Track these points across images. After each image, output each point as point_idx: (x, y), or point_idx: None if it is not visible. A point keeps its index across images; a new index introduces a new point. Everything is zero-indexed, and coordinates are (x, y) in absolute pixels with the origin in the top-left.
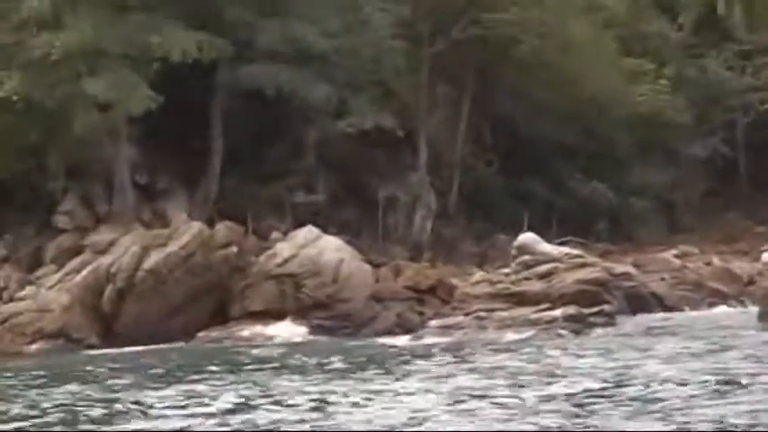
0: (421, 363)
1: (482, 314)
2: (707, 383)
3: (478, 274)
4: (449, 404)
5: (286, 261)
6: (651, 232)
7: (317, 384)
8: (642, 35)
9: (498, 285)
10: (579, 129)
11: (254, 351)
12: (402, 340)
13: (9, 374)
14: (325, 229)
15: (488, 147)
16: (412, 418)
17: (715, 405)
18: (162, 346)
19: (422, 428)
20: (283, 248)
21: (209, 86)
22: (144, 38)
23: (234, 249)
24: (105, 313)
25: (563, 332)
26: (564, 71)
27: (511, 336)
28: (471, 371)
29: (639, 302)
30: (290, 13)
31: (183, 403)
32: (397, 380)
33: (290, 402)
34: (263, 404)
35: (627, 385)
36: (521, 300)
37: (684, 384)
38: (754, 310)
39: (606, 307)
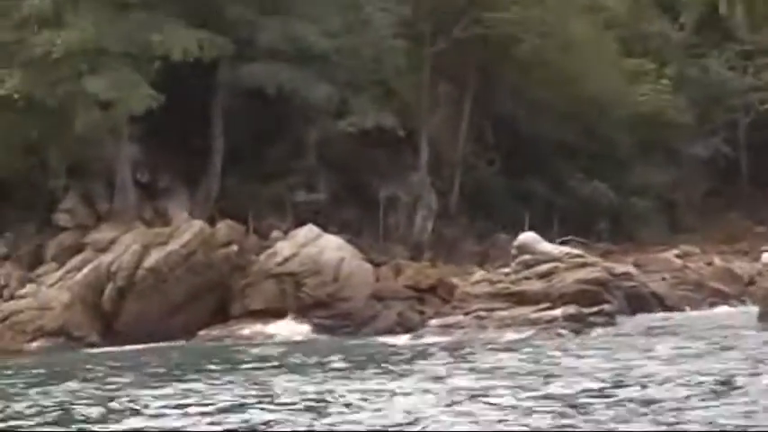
0: (420, 362)
1: (482, 313)
2: (706, 384)
3: (479, 274)
4: (446, 404)
5: (286, 260)
6: (652, 232)
7: (315, 383)
8: (643, 35)
9: (498, 285)
10: (580, 128)
11: (255, 350)
12: (402, 339)
13: (9, 372)
14: (325, 229)
15: (490, 146)
16: (408, 419)
17: (713, 406)
18: (162, 344)
19: (418, 428)
20: (284, 247)
21: (210, 85)
22: (145, 36)
23: (235, 248)
24: (106, 311)
25: (563, 332)
26: (565, 71)
27: (511, 335)
28: (470, 371)
29: (640, 302)
30: (291, 12)
31: (181, 402)
32: (396, 379)
33: (288, 401)
34: (260, 403)
35: (625, 385)
36: (521, 299)
37: (683, 385)
38: (754, 310)
39: (606, 307)
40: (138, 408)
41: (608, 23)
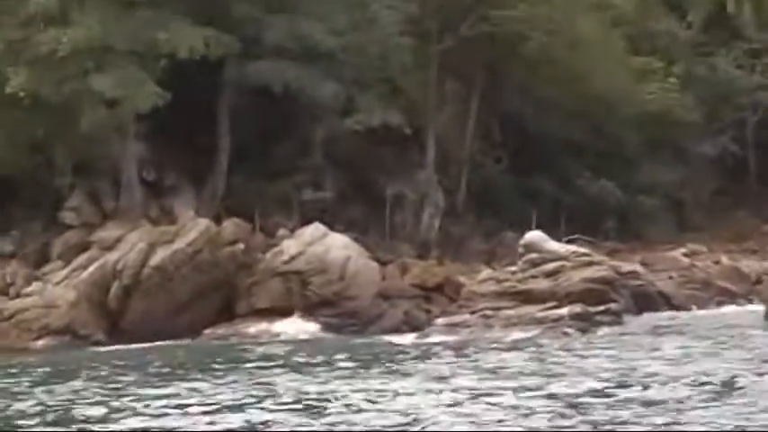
0: (424, 362)
1: (488, 312)
2: (710, 384)
3: (485, 272)
4: (448, 405)
5: (293, 258)
6: (660, 231)
7: (319, 383)
8: (651, 33)
9: (505, 283)
10: (588, 127)
11: (260, 348)
12: (408, 338)
13: (14, 371)
14: (332, 227)
15: (497, 144)
16: (410, 419)
17: (717, 406)
18: (168, 342)
19: (418, 429)
20: (290, 246)
21: (216, 83)
22: (151, 34)
23: (241, 246)
24: (111, 310)
25: (569, 331)
26: (572, 69)
27: (517, 334)
28: (474, 370)
29: (646, 301)
30: (298, 10)
31: (184, 401)
32: (400, 379)
33: (291, 401)
34: (262, 403)
35: (629, 386)
36: (527, 298)
37: (687, 385)
38: (761, 309)
39: (613, 306)
40: (140, 407)
41: (615, 21)
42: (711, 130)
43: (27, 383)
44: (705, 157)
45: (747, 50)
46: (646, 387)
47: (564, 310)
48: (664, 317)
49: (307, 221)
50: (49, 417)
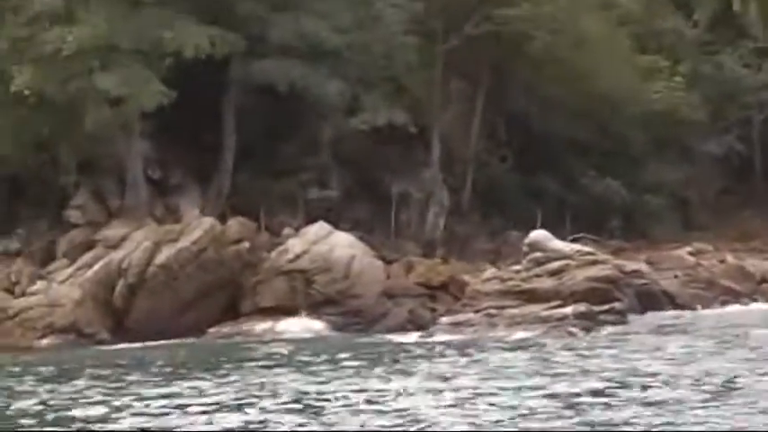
0: (427, 361)
1: (492, 311)
2: (711, 384)
3: (489, 271)
4: (448, 405)
5: (297, 257)
6: (665, 230)
7: (321, 382)
8: (657, 32)
9: (509, 282)
10: (593, 125)
11: (264, 348)
12: (412, 337)
13: (17, 369)
14: (337, 226)
15: (502, 143)
16: (408, 419)
17: (718, 406)
18: (173, 341)
19: (415, 429)
20: (295, 244)
21: (221, 82)
22: (156, 33)
23: (246, 245)
24: (116, 308)
25: (573, 330)
26: (577, 67)
27: (520, 333)
28: (476, 370)
29: (651, 300)
30: (302, 8)
31: (184, 401)
32: (402, 378)
33: (291, 400)
34: (262, 402)
35: (632, 385)
36: (531, 297)
37: (689, 385)
38: (766, 308)
39: (617, 305)
40: (141, 407)
41: (621, 20)
42: (717, 129)
43: (30, 382)
44: (711, 155)
45: (753, 49)
46: (648, 387)
47: (568, 309)
48: (668, 316)
49: (312, 220)
50: (50, 416)
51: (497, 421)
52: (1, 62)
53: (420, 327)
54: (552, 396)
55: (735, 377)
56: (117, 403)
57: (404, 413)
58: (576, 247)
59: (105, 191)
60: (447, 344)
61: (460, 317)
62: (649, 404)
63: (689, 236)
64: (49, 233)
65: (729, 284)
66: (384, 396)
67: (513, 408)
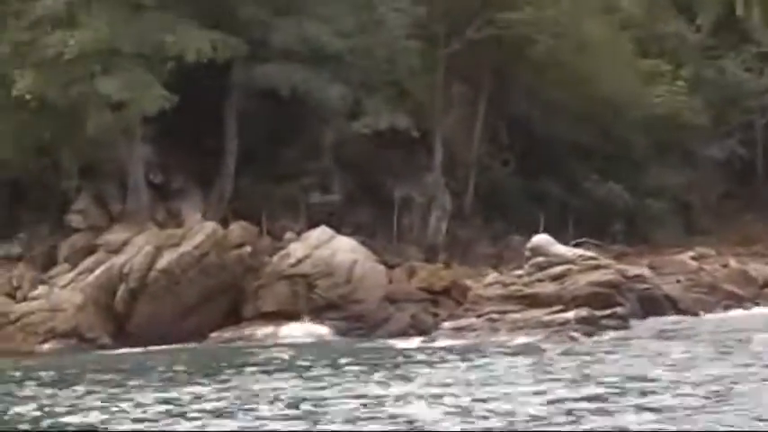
0: (428, 367)
1: (494, 316)
2: (711, 390)
3: (491, 276)
4: (448, 411)
5: (299, 261)
6: (668, 234)
7: (320, 388)
8: (659, 36)
9: (511, 287)
10: (595, 129)
11: (264, 352)
12: (414, 342)
13: (19, 374)
14: (339, 230)
15: (504, 147)
16: (407, 424)
17: (718, 412)
18: (174, 346)
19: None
20: (296, 249)
21: (223, 86)
22: (158, 37)
23: (248, 249)
24: (118, 313)
25: (575, 334)
26: (579, 71)
27: (522, 338)
28: (477, 375)
29: (653, 305)
30: (305, 13)
31: (180, 406)
32: (401, 384)
33: (289, 406)
34: (261, 408)
35: (632, 391)
36: (533, 301)
37: (689, 391)
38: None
39: (619, 309)
40: (138, 413)
41: (624, 24)
42: (719, 133)
43: (31, 387)
44: (713, 160)
45: (756, 53)
46: (649, 392)
47: (570, 314)
48: (670, 321)
49: (314, 224)
50: (49, 421)
51: (494, 427)
52: (3, 66)
53: (422, 332)
54: (552, 402)
55: (736, 382)
56: (115, 409)
57: (402, 418)
58: (579, 251)
59: (107, 195)
60: (449, 349)
61: (462, 322)
62: (650, 410)
63: (691, 240)
64: (50, 238)
65: (732, 289)
66: (383, 401)
67: (511, 413)
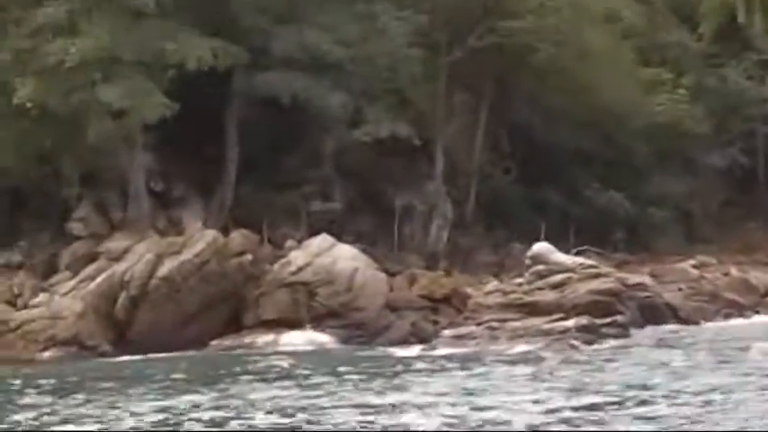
0: (426, 375)
1: (494, 324)
2: (709, 398)
3: (492, 284)
4: (443, 420)
5: (300, 269)
6: (669, 242)
7: (316, 396)
8: (661, 45)
9: (511, 295)
10: (597, 137)
11: (264, 360)
12: (414, 350)
13: (18, 381)
14: (340, 238)
15: (505, 155)
16: None
17: (715, 421)
18: (174, 354)
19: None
20: (297, 257)
21: (224, 94)
22: (159, 45)
23: (248, 257)
24: (119, 321)
25: (575, 343)
26: (581, 80)
27: (522, 347)
28: (475, 384)
29: (653, 313)
30: (306, 21)
31: (179, 416)
32: (398, 393)
33: (284, 414)
34: (256, 416)
35: (630, 400)
36: (533, 310)
37: (686, 399)
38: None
39: (619, 318)
40: (134, 422)
41: (625, 33)
42: (721, 142)
43: (31, 395)
44: (714, 168)
45: (758, 61)
46: (647, 401)
47: (570, 323)
48: (670, 329)
49: (315, 232)
50: (47, 429)
51: None
52: (4, 74)
53: (422, 340)
54: (550, 411)
55: (735, 392)
56: (112, 417)
57: (398, 428)
58: (579, 259)
59: (108, 203)
60: (448, 357)
61: (462, 330)
62: (648, 419)
63: (693, 248)
64: (51, 245)
65: (733, 297)
66: (379, 410)
67: (508, 423)
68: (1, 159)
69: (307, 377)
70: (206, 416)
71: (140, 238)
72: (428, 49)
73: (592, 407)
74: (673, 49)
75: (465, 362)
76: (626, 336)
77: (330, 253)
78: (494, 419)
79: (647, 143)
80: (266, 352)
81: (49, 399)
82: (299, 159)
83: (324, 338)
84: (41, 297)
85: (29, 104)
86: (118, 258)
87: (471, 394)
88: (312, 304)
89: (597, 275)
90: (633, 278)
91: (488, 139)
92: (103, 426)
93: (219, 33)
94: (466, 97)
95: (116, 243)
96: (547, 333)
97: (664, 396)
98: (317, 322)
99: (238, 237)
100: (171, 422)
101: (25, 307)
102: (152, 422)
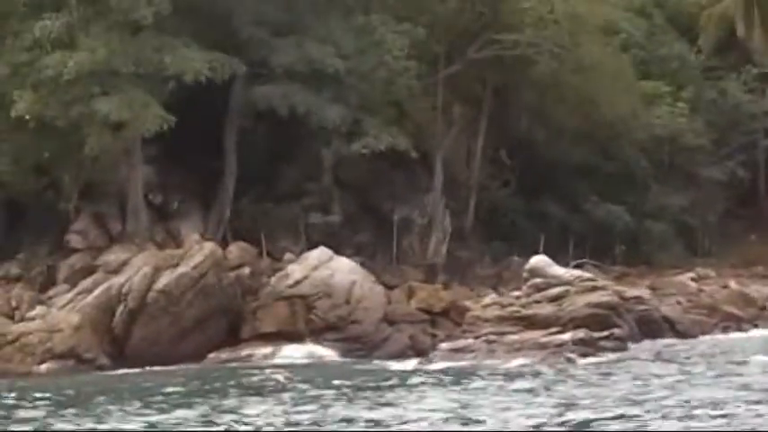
0: (420, 390)
1: (492, 337)
2: (704, 413)
3: (489, 297)
4: None
5: (298, 282)
6: (669, 255)
7: (310, 411)
8: (660, 57)
9: (509, 308)
10: (596, 150)
11: (260, 374)
12: (411, 364)
13: (14, 394)
14: (339, 251)
15: (505, 167)
16: None
17: None
18: (172, 367)
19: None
20: (295, 270)
21: (223, 106)
22: (157, 57)
23: (246, 270)
24: (116, 334)
25: (572, 356)
26: (580, 92)
27: (519, 360)
28: (469, 398)
29: (651, 327)
30: (304, 33)
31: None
32: (390, 408)
33: (275, 429)
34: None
35: (627, 413)
36: (531, 323)
37: (683, 413)
38: (766, 334)
39: (616, 331)
40: None
41: (625, 46)
42: (721, 155)
43: (26, 408)
44: (714, 181)
45: (757, 74)
46: (642, 415)
47: (567, 336)
48: (668, 343)
49: (314, 245)
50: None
51: None
52: (2, 87)
53: (420, 352)
54: (544, 425)
55: (727, 405)
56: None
57: None
58: (576, 273)
59: (106, 216)
60: (444, 371)
61: (460, 343)
62: None
63: (692, 261)
64: (49, 258)
65: (731, 310)
66: (372, 425)
67: None
68: None
69: (301, 391)
70: (199, 430)
71: (138, 250)
72: (426, 62)
73: (587, 421)
74: (672, 61)
75: (460, 376)
76: (623, 349)
77: (328, 266)
78: None
79: (646, 156)
80: (263, 365)
81: (43, 412)
82: (298, 172)
83: (322, 351)
84: (39, 309)
85: (27, 117)
86: (116, 271)
87: (465, 408)
88: (310, 317)
89: (595, 289)
90: (631, 291)
91: (487, 152)
92: None
93: (218, 46)
94: (465, 110)
95: (114, 256)
96: (544, 346)
97: (659, 411)
98: (316, 335)
99: (237, 249)
100: None
101: (22, 319)
102: None
